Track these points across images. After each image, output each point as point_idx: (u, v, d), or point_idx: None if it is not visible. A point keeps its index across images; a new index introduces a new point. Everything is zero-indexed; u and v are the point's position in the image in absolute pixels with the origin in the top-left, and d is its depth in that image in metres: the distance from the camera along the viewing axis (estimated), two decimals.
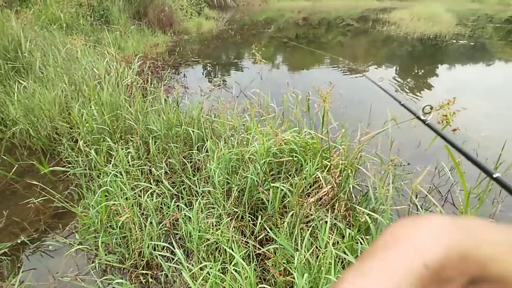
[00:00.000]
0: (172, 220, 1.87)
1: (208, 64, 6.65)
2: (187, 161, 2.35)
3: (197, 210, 1.93)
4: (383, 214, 1.90)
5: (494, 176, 0.66)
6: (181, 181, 2.27)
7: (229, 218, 1.98)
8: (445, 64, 8.07)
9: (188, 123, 2.72)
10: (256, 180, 2.00)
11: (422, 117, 1.04)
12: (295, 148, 2.06)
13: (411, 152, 3.22)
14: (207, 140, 2.33)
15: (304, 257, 1.28)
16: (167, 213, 2.03)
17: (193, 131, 2.44)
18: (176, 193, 2.22)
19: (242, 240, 1.82)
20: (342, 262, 1.46)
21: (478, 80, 6.55)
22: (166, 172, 2.38)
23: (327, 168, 1.93)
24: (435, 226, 0.22)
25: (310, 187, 2.12)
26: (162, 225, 1.90)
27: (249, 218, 2.01)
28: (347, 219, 2.00)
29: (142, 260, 1.86)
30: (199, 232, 1.84)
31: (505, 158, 2.36)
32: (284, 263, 1.56)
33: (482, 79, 6.57)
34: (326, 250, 1.25)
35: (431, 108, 1.07)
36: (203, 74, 6.05)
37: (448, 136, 0.95)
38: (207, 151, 2.35)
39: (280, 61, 7.87)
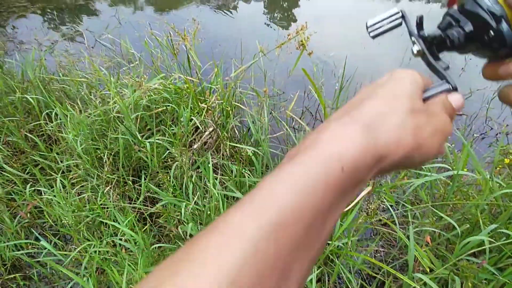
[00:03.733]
0: (29, 209, 1.53)
1: (45, 10, 5.23)
2: (35, 136, 1.88)
3: (63, 189, 1.62)
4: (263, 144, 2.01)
5: None
6: (34, 161, 1.84)
7: (108, 187, 1.75)
8: None
9: (26, 87, 2.13)
10: (131, 139, 1.78)
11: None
12: (168, 96, 1.88)
13: (284, 81, 3.45)
14: (55, 107, 1.89)
15: (191, 205, 1.24)
16: (23, 204, 1.64)
17: (32, 98, 1.92)
18: (31, 177, 1.80)
19: (129, 206, 1.66)
20: (233, 198, 1.50)
21: (333, 6, 7.28)
22: (8, 155, 1.87)
23: (205, 111, 1.85)
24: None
25: (193, 134, 2.03)
26: (19, 218, 1.54)
27: (132, 181, 1.82)
28: (235, 156, 2.05)
29: (5, 265, 1.51)
30: (73, 212, 1.58)
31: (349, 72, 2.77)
32: (177, 215, 1.51)
33: (338, 9, 7.32)
34: (213, 193, 1.24)
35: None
36: (40, 23, 4.75)
37: None
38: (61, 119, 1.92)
39: (142, 1, 6.85)
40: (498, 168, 1.59)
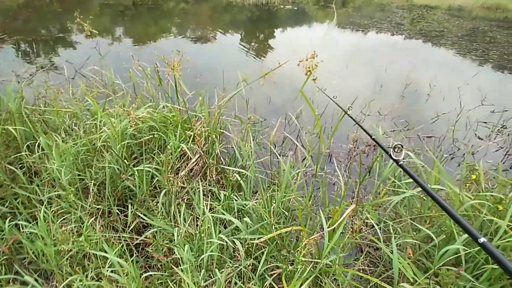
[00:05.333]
0: (10, 244, 1.46)
1: (21, 42, 5.22)
2: (16, 168, 1.84)
3: (45, 222, 1.57)
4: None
5: (480, 241, 0.61)
6: (14, 194, 1.78)
7: (92, 218, 1.72)
8: (280, 27, 9.13)
9: (6, 119, 2.10)
10: (117, 168, 1.78)
11: (394, 157, 0.95)
12: (154, 125, 1.92)
13: (265, 109, 3.58)
14: (39, 137, 1.87)
15: (183, 231, 1.25)
16: (2, 238, 1.57)
17: (15, 129, 1.89)
18: (11, 210, 1.73)
19: (115, 236, 1.62)
20: (223, 223, 1.51)
21: (306, 39, 7.75)
22: None
23: (191, 138, 1.89)
24: None
25: (179, 161, 2.06)
26: None
27: (118, 211, 1.80)
28: (221, 182, 2.08)
29: None
30: (54, 246, 1.52)
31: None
32: (166, 243, 1.50)
33: (310, 39, 7.79)
34: (205, 217, 1.25)
35: (402, 147, 0.98)
36: (16, 55, 4.71)
37: (419, 180, 0.86)
38: (43, 150, 1.89)
39: (121, 33, 7.00)
40: (467, 185, 1.73)
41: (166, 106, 2.00)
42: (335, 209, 1.43)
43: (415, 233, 1.24)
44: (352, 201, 1.97)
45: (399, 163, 0.95)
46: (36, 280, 1.53)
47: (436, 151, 2.94)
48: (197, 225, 1.38)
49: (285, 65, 1.83)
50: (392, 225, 1.33)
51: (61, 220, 1.71)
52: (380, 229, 1.32)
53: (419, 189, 1.27)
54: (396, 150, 0.99)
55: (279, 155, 2.75)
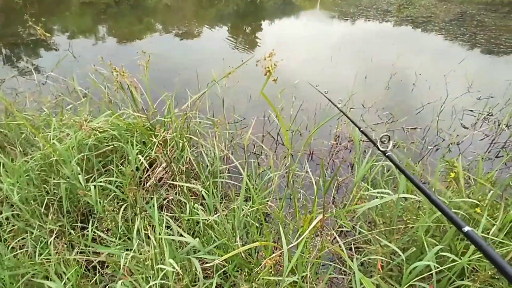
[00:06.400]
0: None
1: None
2: None
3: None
4: (221, 174, 1.96)
5: (464, 230, 0.61)
6: None
7: (52, 238, 1.60)
8: (267, 19, 8.94)
9: None
10: (74, 183, 1.66)
11: (381, 148, 0.90)
12: (115, 134, 1.80)
13: (245, 107, 3.46)
14: None
15: (129, 256, 1.15)
16: None
17: None
18: None
19: (73, 257, 1.51)
20: (181, 244, 1.39)
21: (293, 32, 7.59)
22: None
23: (155, 146, 1.77)
24: None
25: (147, 170, 1.94)
26: None
27: (81, 227, 1.69)
28: (193, 190, 1.97)
29: None
30: (9, 270, 1.42)
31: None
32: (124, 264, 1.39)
33: (298, 32, 7.63)
34: (159, 237, 1.15)
35: (389, 138, 0.92)
36: None
37: (406, 171, 0.82)
38: None
39: (104, 33, 6.78)
40: (449, 182, 1.64)
41: (127, 113, 1.87)
42: (306, 217, 1.33)
43: (382, 244, 1.15)
44: (329, 205, 1.87)
45: (386, 154, 0.90)
46: None
47: (421, 143, 2.86)
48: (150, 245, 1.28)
49: (249, 61, 1.71)
50: (358, 237, 1.23)
51: (17, 241, 1.60)
52: (354, 239, 1.23)
53: (393, 196, 1.17)
54: (383, 141, 0.94)
55: (257, 154, 2.65)
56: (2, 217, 1.65)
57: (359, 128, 1.19)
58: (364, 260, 1.20)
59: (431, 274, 0.99)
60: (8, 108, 2.07)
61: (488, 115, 3.26)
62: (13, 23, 6.54)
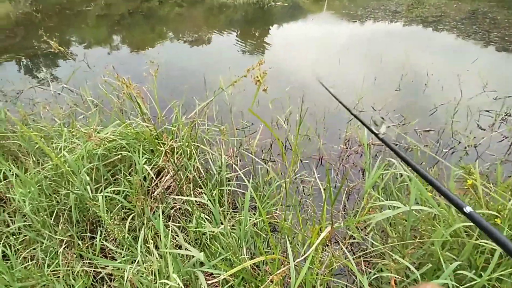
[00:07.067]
0: None
1: (12, 60, 5.18)
2: None
3: (11, 255, 1.48)
4: (229, 183, 1.94)
5: (466, 211, 0.59)
6: None
7: (62, 248, 1.62)
8: (275, 24, 8.95)
9: None
10: (83, 193, 1.68)
11: (375, 131, 0.89)
12: (124, 144, 1.81)
13: (254, 112, 3.44)
14: (6, 163, 1.78)
15: (133, 269, 1.14)
16: None
17: None
18: None
19: (82, 269, 1.52)
20: (187, 256, 1.37)
21: (302, 34, 7.56)
22: None
23: (162, 154, 1.77)
24: None
25: (155, 179, 1.94)
26: None
27: (90, 237, 1.70)
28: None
29: None
30: (19, 282, 1.43)
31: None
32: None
33: (306, 33, 7.60)
34: (164, 251, 1.13)
35: (383, 120, 0.91)
36: (9, 72, 4.68)
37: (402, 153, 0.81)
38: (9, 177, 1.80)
39: (117, 42, 6.94)
40: (467, 189, 1.57)
41: (134, 122, 1.88)
42: (314, 228, 1.29)
43: (394, 258, 1.09)
44: (339, 213, 1.82)
45: (380, 136, 0.88)
46: None
47: (435, 145, 2.77)
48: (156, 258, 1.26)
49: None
50: (370, 249, 1.18)
51: (29, 251, 1.62)
52: (367, 248, 1.18)
53: (405, 208, 1.12)
54: (377, 124, 0.92)
55: (266, 161, 2.62)
56: (14, 227, 1.68)
57: (351, 112, 1.17)
58: (371, 278, 1.15)
59: None
60: (23, 119, 2.12)
61: (506, 115, 3.14)
62: (32, 36, 6.76)
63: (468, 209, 0.58)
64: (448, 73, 4.22)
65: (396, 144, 2.76)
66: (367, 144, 2.21)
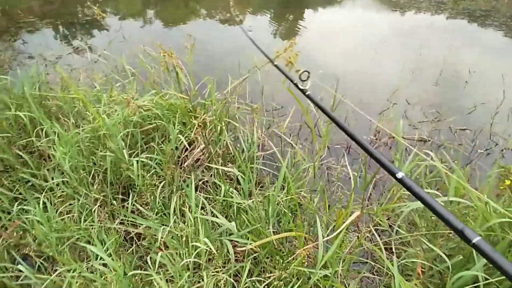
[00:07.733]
0: (13, 229, 1.50)
1: (53, 25, 5.37)
2: (23, 153, 1.87)
3: (51, 206, 1.59)
4: (257, 160, 1.96)
5: (398, 176, 0.60)
6: (24, 178, 1.82)
7: (96, 206, 1.72)
8: (310, 8, 8.68)
9: (21, 104, 2.14)
10: (118, 157, 1.75)
11: (300, 86, 0.87)
12: (159, 113, 1.86)
13: (284, 96, 3.41)
14: (49, 122, 1.88)
15: (166, 231, 1.19)
16: (8, 222, 1.62)
17: (24, 115, 1.92)
18: (19, 195, 1.78)
19: (113, 226, 1.61)
20: (213, 226, 1.42)
21: (338, 20, 7.31)
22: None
23: (195, 128, 1.81)
24: None
25: (185, 150, 2.00)
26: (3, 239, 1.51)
27: (122, 199, 1.79)
28: (227, 174, 2.00)
29: None
30: (56, 232, 1.55)
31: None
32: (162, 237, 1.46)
33: (343, 20, 7.34)
34: (194, 217, 1.18)
35: (309, 74, 0.90)
36: (47, 38, 4.86)
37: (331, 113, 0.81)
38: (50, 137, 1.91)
39: (151, 16, 7.00)
40: (502, 190, 1.51)
41: (169, 93, 1.92)
42: (340, 212, 1.30)
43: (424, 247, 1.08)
44: (365, 201, 1.81)
45: (306, 93, 0.87)
46: (40, 265, 1.56)
47: (470, 145, 2.65)
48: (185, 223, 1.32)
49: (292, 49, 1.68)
50: (396, 238, 1.17)
51: (65, 206, 1.73)
52: (391, 239, 1.17)
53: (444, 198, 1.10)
54: (302, 79, 0.90)
55: (295, 144, 2.62)
56: (53, 183, 1.80)
57: (271, 60, 1.17)
58: (400, 262, 1.15)
59: (477, 286, 0.92)
60: (65, 81, 2.22)
61: None
62: (71, 3, 6.94)
63: (400, 174, 0.59)
64: (492, 72, 3.96)
65: (428, 140, 2.67)
66: (400, 137, 2.15)
